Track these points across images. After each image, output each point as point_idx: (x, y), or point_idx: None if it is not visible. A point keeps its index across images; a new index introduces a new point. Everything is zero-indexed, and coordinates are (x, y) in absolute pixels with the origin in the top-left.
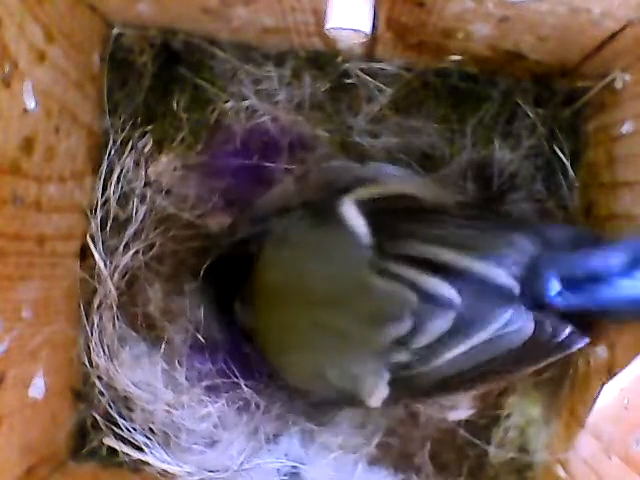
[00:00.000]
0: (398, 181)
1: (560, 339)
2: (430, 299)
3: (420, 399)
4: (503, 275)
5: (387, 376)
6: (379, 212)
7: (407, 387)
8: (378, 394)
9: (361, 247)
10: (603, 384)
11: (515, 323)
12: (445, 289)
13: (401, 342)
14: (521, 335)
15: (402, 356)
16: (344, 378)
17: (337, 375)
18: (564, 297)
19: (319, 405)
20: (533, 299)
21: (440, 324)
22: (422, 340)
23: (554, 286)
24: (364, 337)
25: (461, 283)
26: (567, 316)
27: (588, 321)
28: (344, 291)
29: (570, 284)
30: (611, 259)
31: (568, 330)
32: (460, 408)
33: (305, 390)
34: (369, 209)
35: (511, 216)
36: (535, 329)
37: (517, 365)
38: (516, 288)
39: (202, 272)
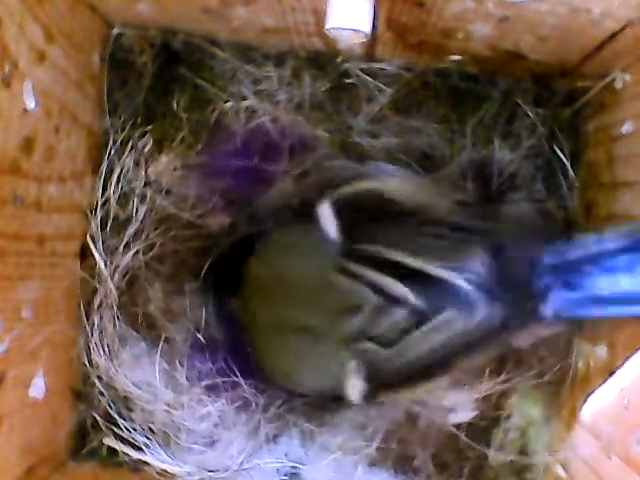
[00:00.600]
0: (386, 180)
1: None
2: (387, 296)
3: (399, 389)
4: (457, 277)
5: (355, 366)
6: (351, 213)
7: (380, 377)
8: (354, 386)
9: (329, 247)
10: (602, 383)
11: (469, 315)
12: (400, 288)
13: (361, 333)
14: (477, 324)
15: (365, 345)
16: (317, 376)
17: (311, 374)
18: (563, 298)
19: (312, 401)
20: (513, 293)
21: (395, 318)
22: (380, 331)
23: (550, 286)
24: (329, 332)
25: (416, 283)
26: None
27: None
28: (312, 289)
29: (567, 275)
30: (604, 251)
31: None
32: (461, 411)
33: (290, 389)
34: (342, 210)
35: (497, 220)
36: (496, 319)
37: (482, 350)
38: (469, 286)
39: (202, 272)
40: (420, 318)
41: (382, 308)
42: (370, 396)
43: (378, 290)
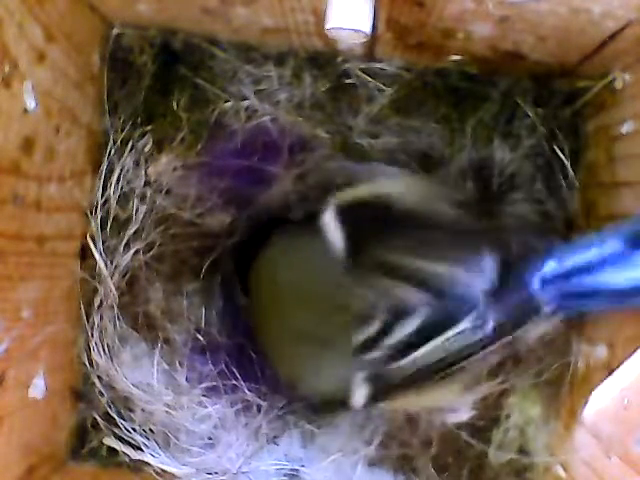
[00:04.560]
0: (389, 183)
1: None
2: (400, 304)
3: (399, 393)
4: (469, 280)
5: (364, 377)
6: (355, 221)
7: (385, 382)
8: (359, 392)
9: (337, 256)
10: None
11: (479, 322)
12: (413, 295)
13: (372, 342)
14: (482, 333)
15: (375, 354)
16: (324, 382)
17: (317, 380)
18: (553, 291)
19: (315, 407)
20: (512, 298)
21: (408, 326)
22: (391, 339)
23: (540, 279)
24: (339, 341)
25: (429, 289)
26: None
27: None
28: (323, 298)
29: (561, 276)
30: (605, 247)
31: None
32: (460, 411)
33: (298, 393)
34: (347, 217)
35: (497, 220)
36: (504, 324)
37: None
38: (482, 291)
39: (203, 270)
40: (434, 329)
41: (395, 317)
42: (374, 401)
43: (391, 298)
